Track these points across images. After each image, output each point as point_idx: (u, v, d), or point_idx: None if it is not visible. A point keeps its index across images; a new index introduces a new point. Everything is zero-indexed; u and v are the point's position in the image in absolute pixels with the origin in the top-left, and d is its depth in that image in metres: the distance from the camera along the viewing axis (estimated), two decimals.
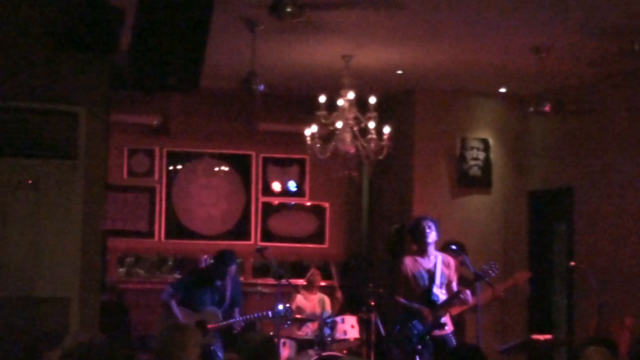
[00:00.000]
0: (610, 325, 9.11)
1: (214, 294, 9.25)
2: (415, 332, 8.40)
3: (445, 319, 8.53)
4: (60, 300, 6.32)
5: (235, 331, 9.31)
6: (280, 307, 9.22)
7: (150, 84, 6.43)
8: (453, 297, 8.43)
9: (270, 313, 9.19)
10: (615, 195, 10.05)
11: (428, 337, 8.41)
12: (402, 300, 8.54)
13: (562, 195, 11.06)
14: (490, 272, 8.33)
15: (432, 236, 8.54)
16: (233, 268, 9.33)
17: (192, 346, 5.58)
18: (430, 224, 8.56)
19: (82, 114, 6.28)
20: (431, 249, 8.56)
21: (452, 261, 8.70)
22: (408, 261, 8.59)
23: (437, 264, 8.54)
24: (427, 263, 8.55)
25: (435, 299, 8.47)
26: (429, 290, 8.47)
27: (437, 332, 8.45)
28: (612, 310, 9.19)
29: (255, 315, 9.45)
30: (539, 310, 11.37)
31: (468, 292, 8.40)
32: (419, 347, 8.37)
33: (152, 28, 6.06)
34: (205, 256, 11.13)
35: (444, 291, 8.52)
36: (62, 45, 6.04)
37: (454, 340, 8.58)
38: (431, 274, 8.52)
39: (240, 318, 9.28)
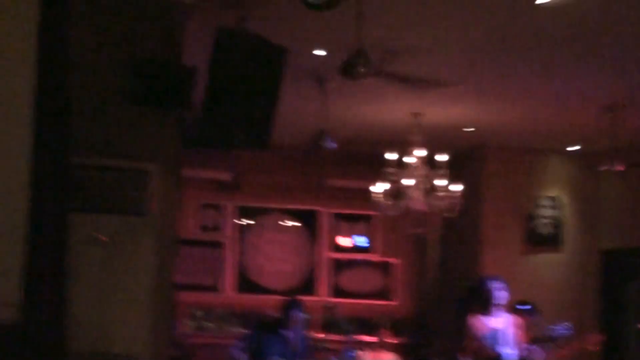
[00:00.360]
0: None
1: (282, 345, 9.21)
2: None
3: None
4: (129, 356, 6.35)
5: None
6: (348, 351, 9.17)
7: (221, 142, 6.50)
8: (525, 354, 8.33)
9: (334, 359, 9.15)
10: None
11: None
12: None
13: (635, 255, 10.87)
14: (564, 332, 8.24)
15: (499, 296, 8.45)
16: (298, 315, 9.27)
17: None
18: (500, 285, 8.47)
19: (154, 171, 6.35)
20: (498, 310, 8.47)
21: (520, 321, 8.60)
22: (473, 321, 8.50)
23: (506, 325, 8.45)
24: (493, 323, 8.45)
25: (505, 358, 8.37)
26: (496, 349, 8.37)
27: None
28: None
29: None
30: None
31: (537, 349, 8.29)
32: None
33: (224, 86, 6.14)
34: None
35: (511, 351, 8.42)
36: (136, 103, 6.15)
37: None
38: (498, 335, 8.42)
39: None
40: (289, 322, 9.20)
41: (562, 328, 8.26)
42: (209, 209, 11.97)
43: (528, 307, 8.88)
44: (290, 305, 9.28)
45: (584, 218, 11.50)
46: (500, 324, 8.44)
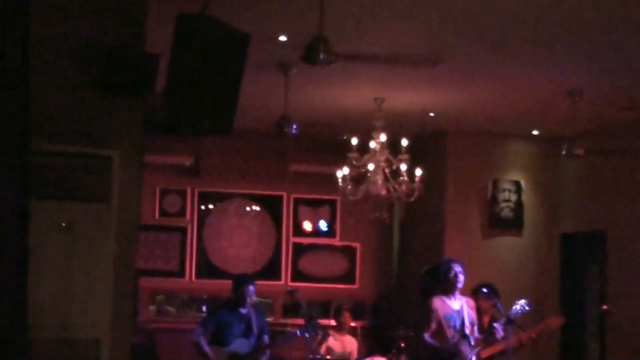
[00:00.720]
0: None
1: (240, 324, 9.23)
2: None
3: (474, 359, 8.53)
4: (91, 341, 6.34)
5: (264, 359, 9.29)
6: (311, 324, 9.19)
7: (184, 128, 6.47)
8: (488, 334, 8.43)
9: (298, 332, 9.17)
10: None
11: None
12: (429, 340, 8.52)
13: (595, 238, 10.99)
14: (522, 309, 8.35)
15: (459, 279, 8.56)
16: (251, 289, 9.27)
17: None
18: (461, 268, 8.58)
19: (117, 157, 6.33)
20: (457, 292, 8.59)
21: (474, 305, 8.72)
22: (437, 302, 8.59)
23: (464, 306, 8.55)
24: (455, 304, 8.56)
25: (468, 337, 8.47)
26: (461, 330, 8.46)
27: None
28: None
29: (286, 337, 9.45)
30: (571, 354, 11.28)
31: (498, 327, 8.39)
32: None
33: (187, 73, 6.11)
34: None
35: (471, 332, 8.53)
36: (98, 89, 6.11)
37: None
38: (461, 315, 8.52)
39: (268, 341, 9.26)
40: (243, 299, 9.21)
41: (519, 306, 8.37)
42: (170, 194, 11.93)
43: (488, 289, 8.96)
44: (242, 282, 9.30)
45: (544, 202, 11.60)
46: (459, 306, 8.54)
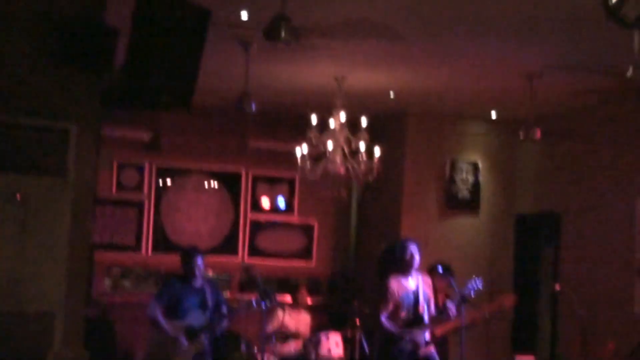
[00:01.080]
0: (593, 349, 9.18)
1: (195, 298, 9.23)
2: (404, 351, 8.47)
3: (429, 337, 8.62)
4: (45, 315, 6.32)
5: (217, 333, 9.29)
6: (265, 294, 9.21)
7: (143, 102, 6.46)
8: (442, 313, 8.52)
9: (254, 302, 9.18)
10: (602, 221, 10.12)
11: (414, 357, 8.49)
12: (386, 324, 8.60)
13: (549, 220, 11.12)
14: (475, 287, 8.44)
15: (417, 260, 8.64)
16: (199, 262, 9.28)
17: None
18: (416, 247, 8.65)
19: (74, 131, 6.29)
20: (413, 271, 8.67)
21: (430, 282, 8.81)
22: (393, 282, 8.66)
23: (420, 284, 8.63)
24: (411, 283, 8.63)
25: (422, 318, 8.55)
26: (415, 309, 8.54)
27: (423, 350, 8.54)
28: (595, 334, 9.26)
29: (241, 308, 9.46)
30: (523, 332, 11.42)
31: (451, 306, 8.48)
32: None
33: (146, 47, 6.09)
34: None
35: (427, 310, 8.62)
36: (55, 62, 6.07)
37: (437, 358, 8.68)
38: (416, 294, 8.60)
39: (225, 313, 9.27)
40: (192, 272, 9.22)
41: (473, 283, 8.47)
42: (127, 168, 11.87)
43: (444, 268, 9.04)
44: (189, 255, 9.30)
45: (500, 183, 11.71)
46: (415, 285, 8.62)
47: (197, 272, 9.20)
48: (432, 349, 8.66)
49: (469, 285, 8.49)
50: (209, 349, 9.26)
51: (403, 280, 8.63)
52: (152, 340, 9.01)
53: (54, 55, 6.03)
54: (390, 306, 8.58)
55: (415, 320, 8.57)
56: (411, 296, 8.57)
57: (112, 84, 6.42)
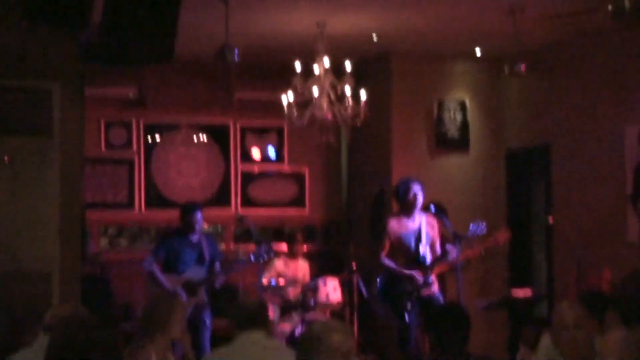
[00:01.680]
0: (589, 279, 9.25)
1: (192, 252, 9.28)
2: (404, 291, 8.55)
3: (432, 278, 8.67)
4: (42, 275, 6.36)
5: (217, 286, 9.35)
6: (262, 248, 9.28)
7: (124, 57, 6.43)
8: (442, 255, 8.58)
9: (252, 257, 9.23)
10: (592, 151, 10.14)
11: (416, 296, 8.56)
12: (387, 262, 8.66)
13: (539, 153, 11.14)
14: (478, 231, 8.51)
15: (420, 200, 8.69)
16: (198, 217, 9.32)
17: (177, 317, 5.67)
18: (419, 187, 8.70)
19: (56, 89, 6.28)
20: (417, 211, 8.71)
21: (435, 222, 8.84)
22: (393, 222, 8.71)
23: (422, 225, 8.67)
24: (412, 224, 8.67)
25: (423, 258, 8.61)
26: (416, 250, 8.60)
27: (425, 292, 8.61)
28: (590, 264, 9.33)
29: (238, 263, 9.51)
30: (519, 267, 11.49)
31: (452, 249, 8.54)
32: (408, 306, 8.53)
33: (123, 1, 6.05)
34: None
35: (429, 251, 8.67)
36: (33, 21, 6.03)
37: (441, 299, 8.75)
38: (417, 235, 8.65)
39: (221, 270, 9.32)
40: (192, 226, 9.26)
41: (476, 227, 8.52)
42: (115, 126, 11.85)
43: (436, 207, 9.08)
44: (189, 210, 9.34)
45: (489, 120, 11.71)
46: (417, 225, 8.67)
47: (196, 227, 9.25)
48: (435, 290, 8.72)
49: (472, 228, 8.53)
50: (208, 301, 9.33)
51: (405, 220, 8.68)
52: (151, 295, 9.07)
53: (29, 14, 5.99)
54: (387, 245, 8.64)
55: (417, 260, 8.63)
56: (412, 236, 8.63)
57: (91, 40, 6.39)
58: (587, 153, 10.21)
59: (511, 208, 11.62)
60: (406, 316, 8.58)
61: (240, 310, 5.58)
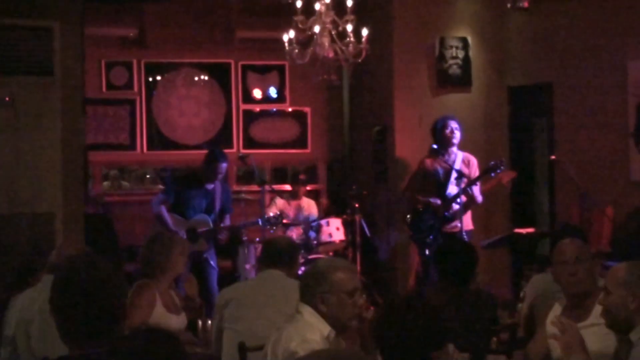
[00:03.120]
0: (592, 216, 9.27)
1: (203, 199, 9.18)
2: (426, 224, 8.60)
3: (464, 217, 8.67)
4: (45, 215, 6.36)
5: (220, 239, 9.33)
6: (271, 214, 9.32)
7: None
8: (461, 190, 8.59)
9: (260, 221, 9.24)
10: (594, 87, 10.08)
11: (438, 230, 8.62)
12: (407, 193, 8.71)
13: (541, 90, 11.08)
14: (498, 168, 8.57)
15: (457, 136, 8.73)
16: (224, 166, 9.17)
17: (176, 255, 5.68)
18: (457, 123, 8.72)
19: (56, 28, 6.23)
20: (453, 148, 8.75)
21: (472, 159, 8.87)
22: (428, 161, 8.77)
23: (457, 161, 8.71)
24: (447, 161, 8.71)
25: (450, 195, 8.65)
26: (444, 186, 8.64)
27: (448, 228, 8.66)
28: (593, 201, 9.33)
29: (244, 223, 9.53)
30: (521, 205, 11.49)
31: (476, 189, 8.60)
32: (430, 239, 8.58)
33: None
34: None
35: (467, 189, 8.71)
36: None
37: (465, 238, 8.71)
38: (448, 171, 8.69)
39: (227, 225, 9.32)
40: (214, 175, 9.15)
41: (495, 163, 8.60)
42: (116, 66, 11.79)
43: (437, 146, 9.08)
44: (217, 157, 9.18)
45: (491, 57, 11.61)
46: (452, 161, 8.71)
47: (218, 177, 9.12)
48: (458, 226, 8.72)
49: (492, 164, 8.58)
50: (211, 245, 9.31)
51: (440, 158, 8.70)
52: (149, 235, 9.07)
53: None
54: (413, 181, 8.67)
55: (443, 197, 8.68)
56: (442, 172, 8.67)
57: None
58: (589, 90, 10.15)
59: (513, 145, 11.58)
60: (426, 250, 8.66)
61: (268, 247, 5.66)
